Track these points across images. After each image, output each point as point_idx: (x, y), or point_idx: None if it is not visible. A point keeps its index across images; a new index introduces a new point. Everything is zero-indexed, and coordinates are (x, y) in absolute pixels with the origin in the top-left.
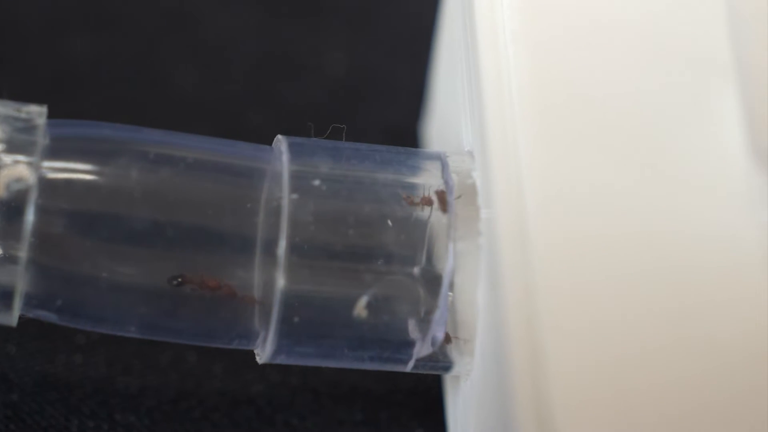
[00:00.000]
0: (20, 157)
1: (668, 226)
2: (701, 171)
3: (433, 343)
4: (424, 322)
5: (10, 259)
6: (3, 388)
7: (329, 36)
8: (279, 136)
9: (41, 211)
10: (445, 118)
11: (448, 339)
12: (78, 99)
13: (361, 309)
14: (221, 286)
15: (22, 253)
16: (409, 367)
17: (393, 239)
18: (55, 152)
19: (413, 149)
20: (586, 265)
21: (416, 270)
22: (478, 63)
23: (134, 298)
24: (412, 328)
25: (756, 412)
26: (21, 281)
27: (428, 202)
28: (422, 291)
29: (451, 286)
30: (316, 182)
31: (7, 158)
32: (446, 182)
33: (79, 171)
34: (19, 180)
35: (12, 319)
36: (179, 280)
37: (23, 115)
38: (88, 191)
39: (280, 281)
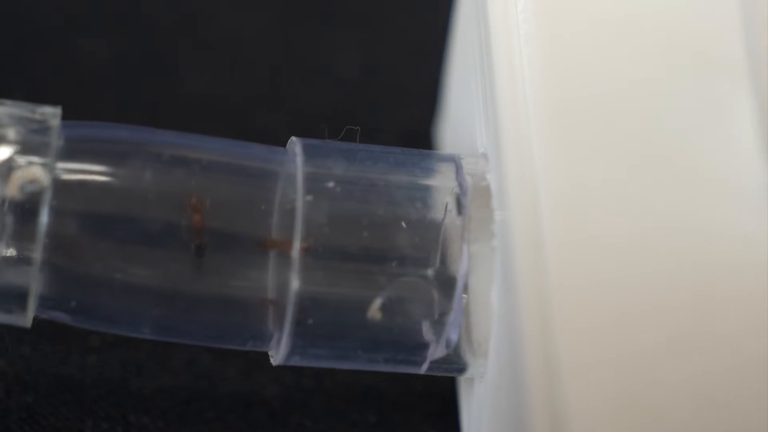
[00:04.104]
0: (34, 159)
1: (683, 226)
2: (716, 170)
3: (447, 345)
4: (439, 324)
5: (25, 261)
6: (17, 389)
7: (343, 37)
8: (293, 138)
9: (55, 212)
10: (459, 120)
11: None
12: (92, 100)
13: (375, 311)
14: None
15: (36, 254)
16: (423, 369)
17: (407, 241)
18: (69, 153)
19: (427, 151)
20: (601, 267)
21: (430, 272)
22: (492, 65)
23: (148, 300)
24: (427, 330)
25: None
26: (35, 283)
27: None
28: (436, 293)
29: (466, 288)
30: (331, 184)
31: (22, 160)
32: (460, 184)
33: (93, 172)
34: (33, 181)
35: (26, 320)
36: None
37: (37, 117)
38: (102, 192)
39: (295, 283)
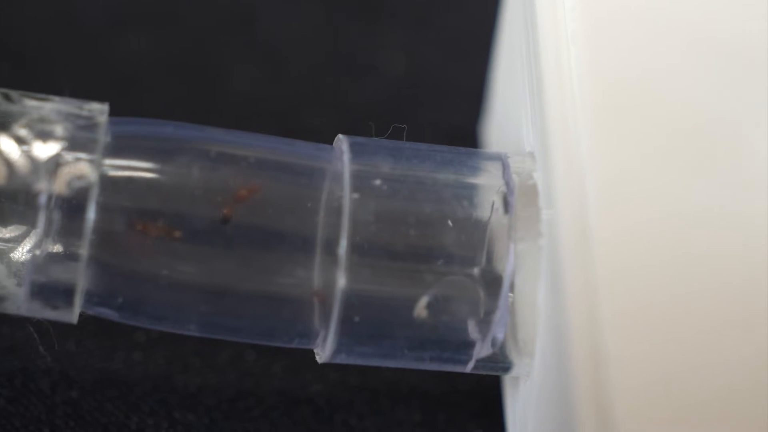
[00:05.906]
0: (82, 155)
1: (732, 225)
2: (760, 163)
3: (493, 344)
4: (484, 323)
5: (71, 257)
6: (63, 385)
7: (390, 35)
8: (340, 136)
9: (102, 208)
10: (506, 118)
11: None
12: (139, 97)
13: (421, 309)
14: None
15: (83, 250)
16: (468, 368)
17: (453, 240)
18: (116, 150)
19: (474, 150)
20: (649, 266)
21: (476, 271)
22: (540, 63)
23: (195, 297)
24: (472, 329)
25: None
26: (82, 278)
27: None
28: (482, 292)
29: (512, 287)
30: (378, 182)
31: (69, 156)
32: (507, 183)
33: (140, 169)
34: (80, 177)
35: (72, 316)
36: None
37: (85, 113)
38: (149, 189)
39: (341, 281)
